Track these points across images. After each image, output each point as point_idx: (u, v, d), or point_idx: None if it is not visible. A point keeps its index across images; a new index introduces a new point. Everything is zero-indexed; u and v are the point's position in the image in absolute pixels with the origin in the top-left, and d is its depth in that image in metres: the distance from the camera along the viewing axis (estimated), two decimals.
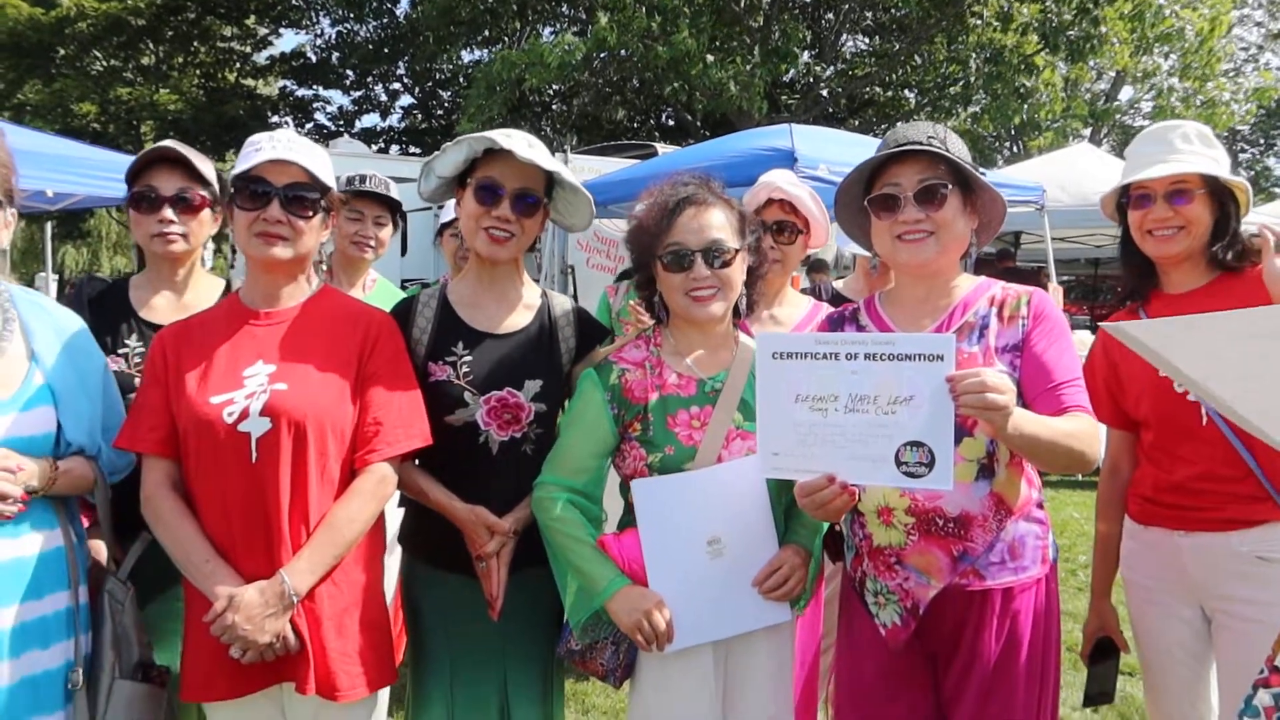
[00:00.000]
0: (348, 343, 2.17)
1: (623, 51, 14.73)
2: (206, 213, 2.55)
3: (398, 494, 2.29)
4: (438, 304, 2.38)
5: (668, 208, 2.21)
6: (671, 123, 23.41)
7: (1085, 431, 1.96)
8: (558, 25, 21.54)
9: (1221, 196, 2.39)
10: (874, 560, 2.15)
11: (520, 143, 2.27)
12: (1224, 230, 2.38)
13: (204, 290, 2.62)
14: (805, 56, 16.70)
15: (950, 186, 2.07)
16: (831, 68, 20.71)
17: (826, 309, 3.03)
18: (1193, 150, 2.38)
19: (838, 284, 3.58)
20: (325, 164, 2.18)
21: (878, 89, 21.29)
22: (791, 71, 16.10)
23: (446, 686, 2.33)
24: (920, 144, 2.06)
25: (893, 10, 19.59)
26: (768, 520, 2.21)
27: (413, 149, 25.72)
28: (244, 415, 2.02)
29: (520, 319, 2.40)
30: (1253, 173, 30.39)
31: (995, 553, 2.06)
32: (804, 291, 3.31)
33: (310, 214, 2.14)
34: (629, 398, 2.23)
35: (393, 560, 2.61)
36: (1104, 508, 2.66)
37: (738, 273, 2.22)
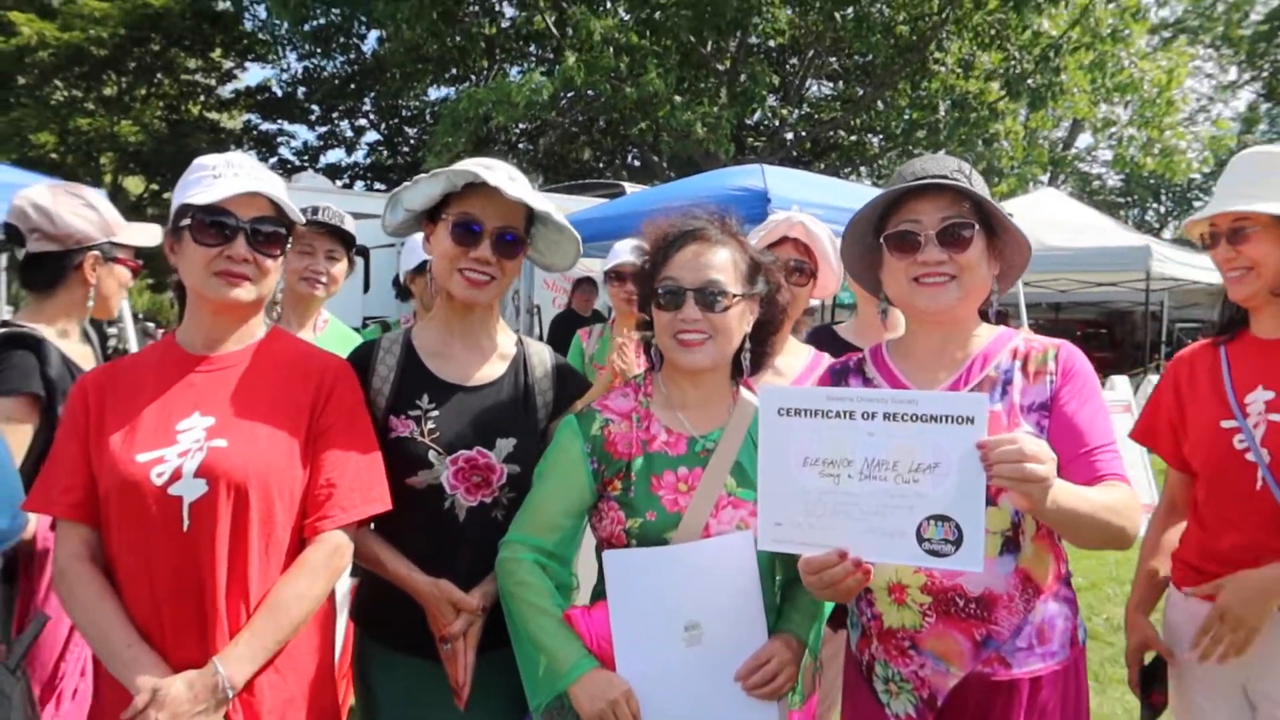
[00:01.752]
0: (299, 393, 1.93)
1: (589, 91, 14.66)
2: None
3: None
4: (402, 351, 2.14)
5: (669, 240, 2.01)
6: (638, 163, 23.39)
7: (1127, 505, 1.77)
8: (525, 64, 21.48)
9: None
10: (885, 643, 1.94)
11: (503, 176, 2.06)
12: None
13: None
14: (771, 100, 16.74)
15: (975, 227, 1.89)
16: (796, 111, 20.85)
17: (828, 359, 2.85)
18: (1259, 178, 2.19)
19: (838, 327, 3.39)
20: (285, 192, 1.96)
21: (841, 133, 21.45)
22: (758, 114, 16.12)
23: None
24: (945, 178, 1.87)
25: (856, 56, 19.80)
26: (757, 605, 1.96)
27: (378, 185, 25.46)
28: (176, 476, 1.77)
29: (494, 370, 2.17)
30: None
31: (1023, 637, 1.86)
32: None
33: (279, 253, 1.92)
34: (611, 451, 2.01)
35: (340, 623, 2.35)
36: (1152, 545, 2.48)
37: (736, 321, 2.01)
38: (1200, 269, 11.44)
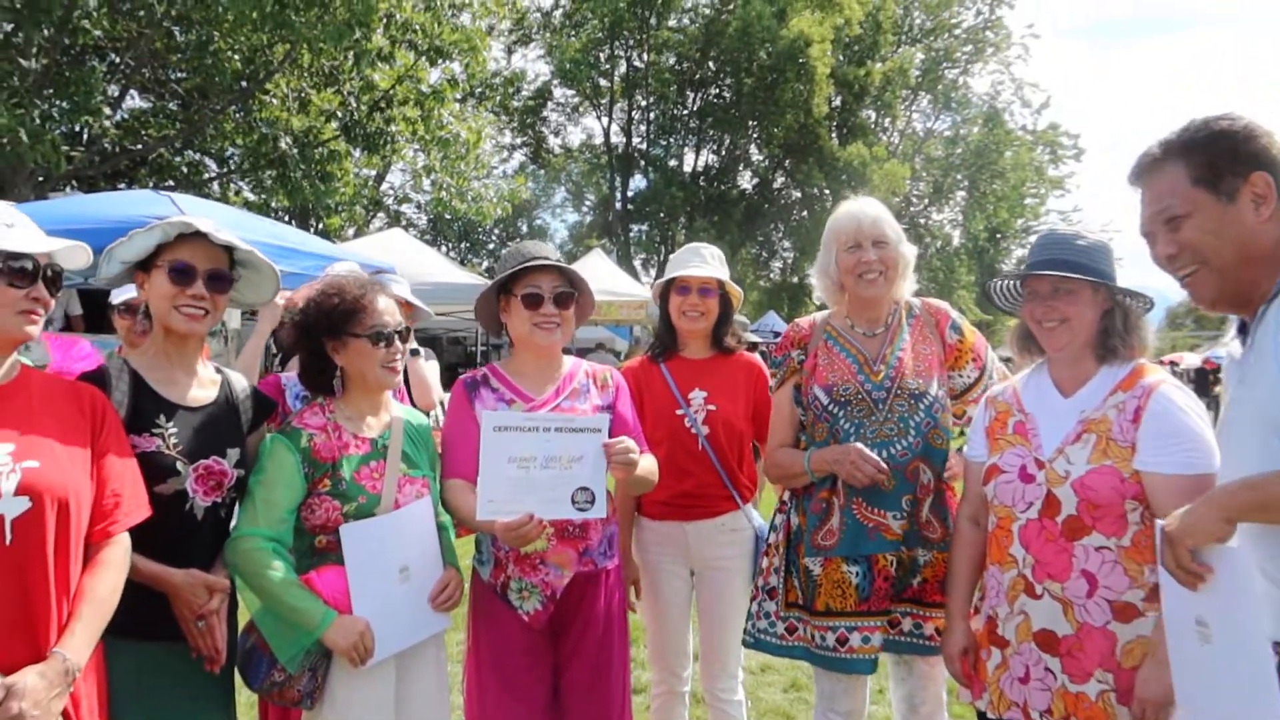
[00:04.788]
0: (78, 418, 2.18)
1: None
2: None
3: None
4: (129, 377, 2.45)
5: (366, 294, 2.70)
6: None
7: (656, 466, 3.05)
8: None
9: (726, 297, 3.62)
10: (520, 565, 2.88)
11: (209, 225, 2.52)
12: (726, 320, 3.63)
13: None
14: (106, 111, 15.49)
15: (575, 294, 2.96)
16: (111, 120, 19.34)
17: None
18: (713, 264, 3.60)
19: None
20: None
21: (164, 152, 20.53)
22: (95, 125, 14.80)
23: None
24: (555, 261, 2.93)
25: (176, 73, 19.19)
26: (437, 549, 2.81)
27: None
28: None
29: (208, 393, 2.59)
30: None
31: (602, 545, 2.98)
32: None
33: (56, 293, 2.16)
34: (318, 458, 2.64)
35: None
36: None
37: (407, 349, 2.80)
38: None
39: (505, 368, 3.09)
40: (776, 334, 25.19)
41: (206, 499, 2.48)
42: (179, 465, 2.43)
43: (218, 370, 2.68)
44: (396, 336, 2.72)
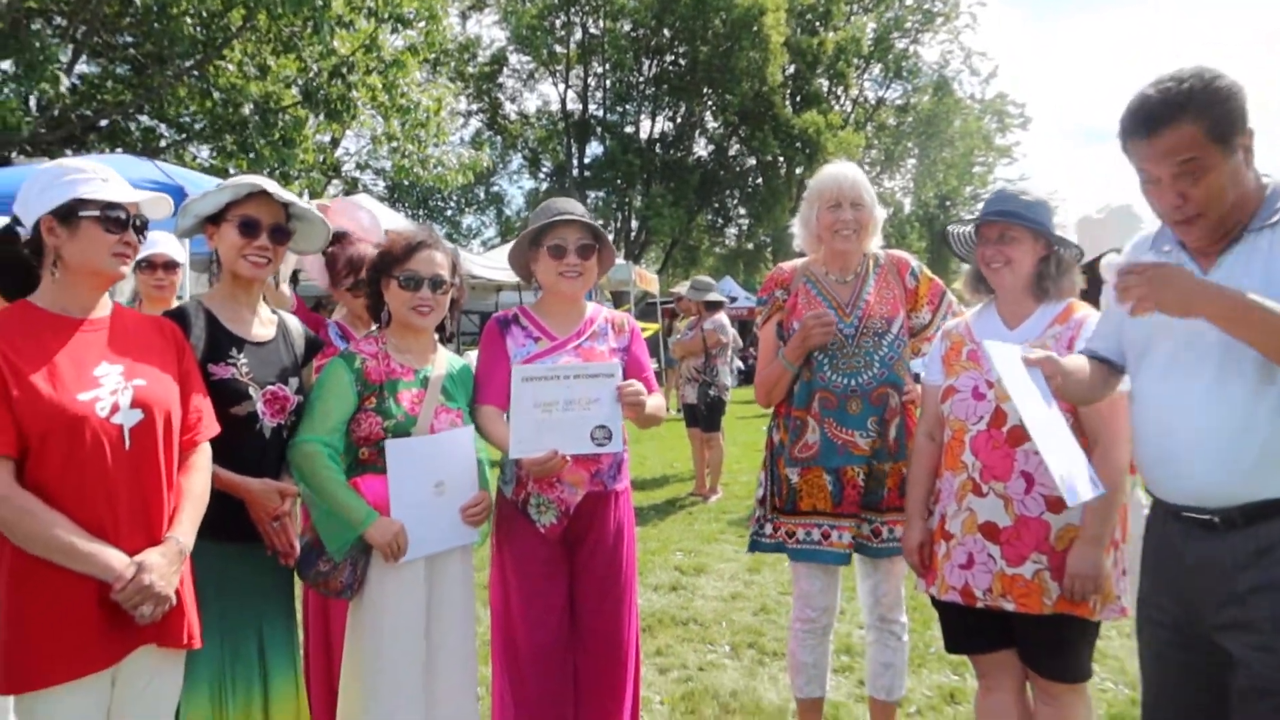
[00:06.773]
0: (164, 346, 2.54)
1: None
2: None
3: None
4: (204, 316, 2.81)
5: (411, 244, 3.06)
6: None
7: (664, 403, 3.46)
8: None
9: None
10: (538, 482, 3.26)
11: (272, 185, 2.87)
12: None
13: None
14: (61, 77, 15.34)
15: (596, 246, 3.34)
16: (66, 86, 19.11)
17: None
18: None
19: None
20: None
21: (118, 118, 20.33)
22: (51, 90, 14.67)
23: (217, 645, 2.73)
24: (579, 217, 3.30)
25: (122, 36, 18.96)
26: (474, 471, 3.18)
27: None
28: (115, 409, 2.30)
29: (269, 331, 2.96)
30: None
31: (613, 469, 3.38)
32: None
33: (144, 236, 2.51)
34: (368, 378, 3.02)
35: None
36: None
37: (447, 299, 3.16)
38: (494, 269, 14.23)
39: (534, 309, 3.47)
40: (733, 299, 25.92)
41: (273, 420, 2.85)
42: (250, 390, 2.80)
43: (273, 311, 3.04)
44: (426, 284, 3.07)
